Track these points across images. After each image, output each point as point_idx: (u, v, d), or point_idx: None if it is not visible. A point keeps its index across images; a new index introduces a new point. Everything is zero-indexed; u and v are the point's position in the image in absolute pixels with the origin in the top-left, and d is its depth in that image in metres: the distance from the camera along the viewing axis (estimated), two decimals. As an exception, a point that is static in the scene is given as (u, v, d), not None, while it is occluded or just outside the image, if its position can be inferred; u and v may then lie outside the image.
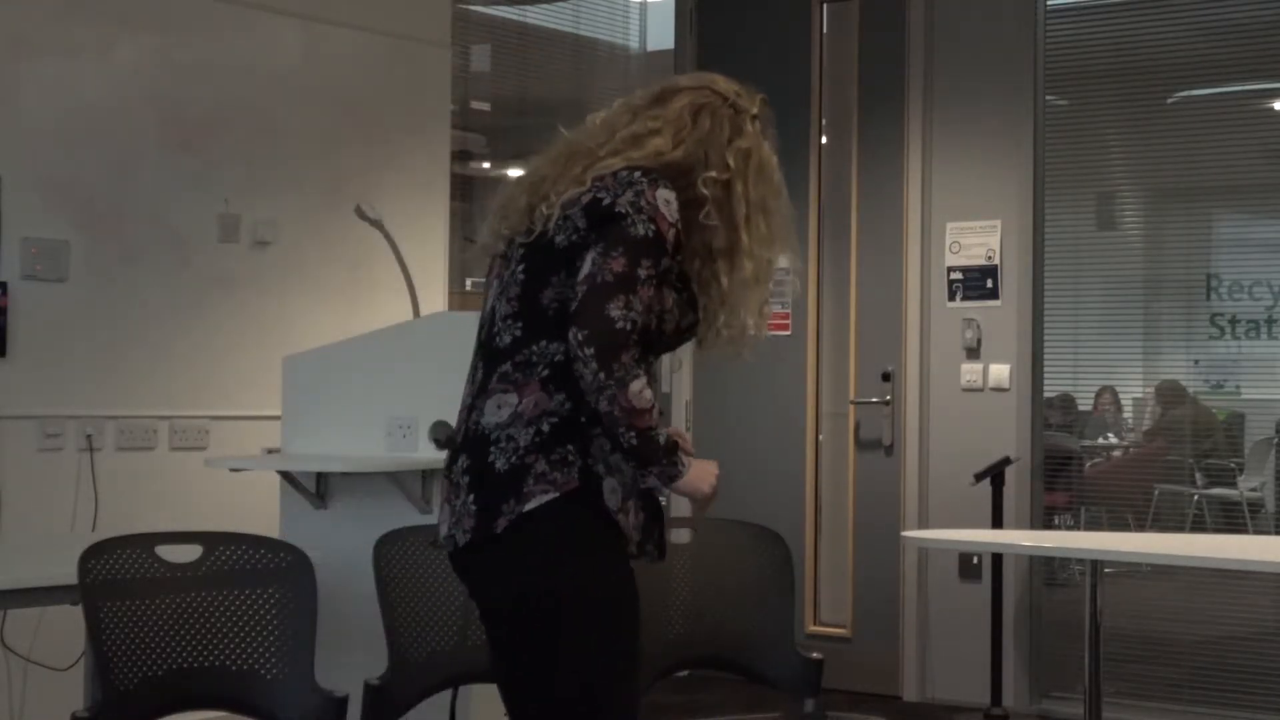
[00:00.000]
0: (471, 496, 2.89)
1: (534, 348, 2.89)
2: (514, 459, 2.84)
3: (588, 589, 2.85)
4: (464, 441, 2.94)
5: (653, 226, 2.84)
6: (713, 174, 2.96)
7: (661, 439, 2.83)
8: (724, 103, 3.04)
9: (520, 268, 2.94)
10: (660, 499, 3.01)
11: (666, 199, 2.87)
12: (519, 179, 3.05)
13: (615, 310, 2.78)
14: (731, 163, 2.98)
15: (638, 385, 2.79)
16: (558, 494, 2.82)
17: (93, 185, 5.76)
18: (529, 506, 2.82)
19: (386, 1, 6.64)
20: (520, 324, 2.91)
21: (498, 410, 2.88)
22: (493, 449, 2.87)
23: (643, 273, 2.82)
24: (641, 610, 2.98)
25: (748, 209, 2.98)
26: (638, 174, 2.89)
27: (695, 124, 3.00)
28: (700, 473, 2.91)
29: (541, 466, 2.83)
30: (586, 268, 2.82)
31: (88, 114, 5.76)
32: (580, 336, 2.77)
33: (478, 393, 2.94)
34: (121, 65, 5.85)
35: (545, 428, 2.84)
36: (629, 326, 2.78)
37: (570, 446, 2.84)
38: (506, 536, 2.84)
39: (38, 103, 5.63)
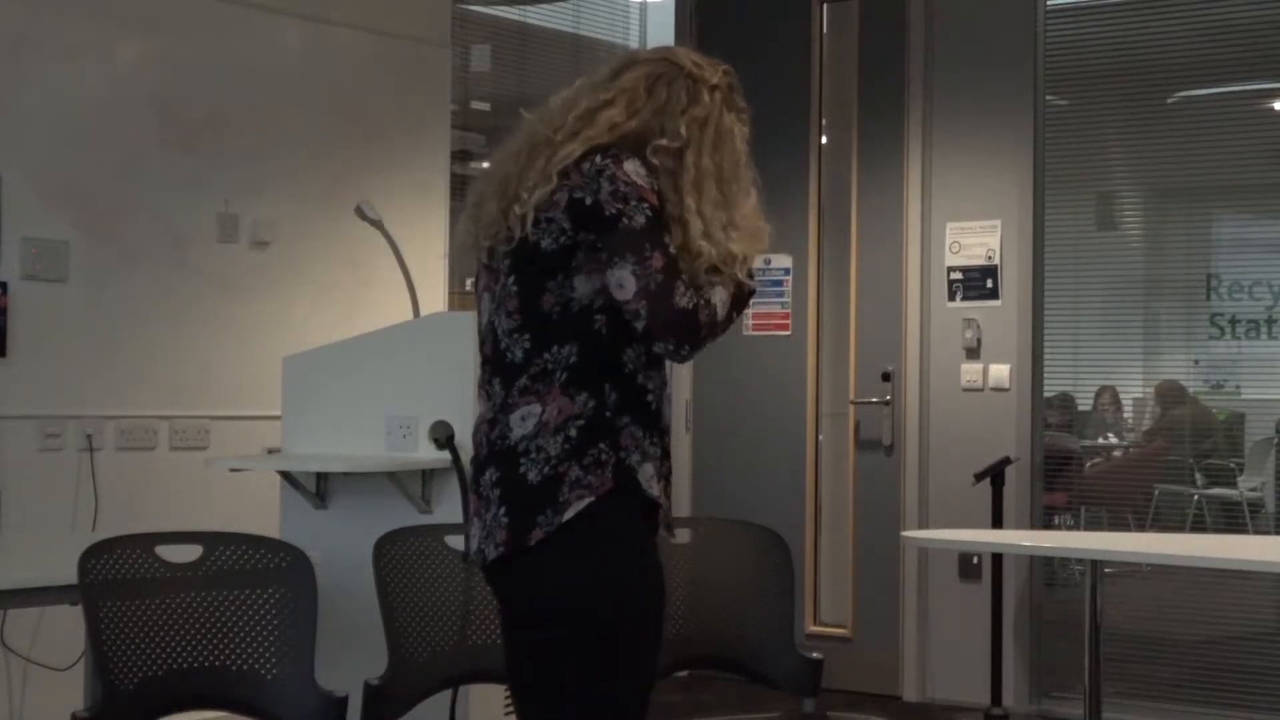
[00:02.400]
0: (503, 509, 2.84)
1: (546, 355, 2.85)
2: (547, 469, 2.81)
3: (630, 593, 2.82)
4: (489, 455, 2.89)
5: (645, 205, 2.80)
6: (663, 142, 2.90)
7: (735, 287, 2.89)
8: (681, 73, 2.97)
9: (511, 279, 2.89)
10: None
11: (636, 169, 2.83)
12: (486, 178, 3.00)
13: (681, 300, 2.78)
14: (684, 131, 2.91)
15: (706, 315, 2.80)
16: (594, 497, 2.79)
17: (93, 185, 5.76)
18: (568, 516, 2.78)
19: (386, 1, 6.64)
20: (527, 335, 2.87)
21: (523, 423, 2.84)
22: (523, 460, 2.83)
23: (672, 248, 2.81)
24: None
25: (698, 174, 2.90)
26: (598, 158, 2.83)
27: (651, 95, 2.94)
28: (752, 236, 2.96)
29: (575, 473, 2.80)
30: (631, 284, 2.77)
31: (88, 114, 5.76)
32: (671, 346, 2.80)
33: (499, 409, 2.89)
34: (121, 65, 5.85)
35: (573, 432, 2.81)
36: (693, 299, 2.79)
37: (602, 445, 2.81)
38: (541, 547, 2.80)
39: (38, 103, 5.63)
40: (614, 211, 2.80)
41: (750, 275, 2.95)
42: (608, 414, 2.83)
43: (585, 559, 2.81)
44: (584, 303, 2.83)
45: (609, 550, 2.82)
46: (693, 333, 2.79)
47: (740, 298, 2.91)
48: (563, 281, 2.84)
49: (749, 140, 3.03)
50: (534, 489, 2.82)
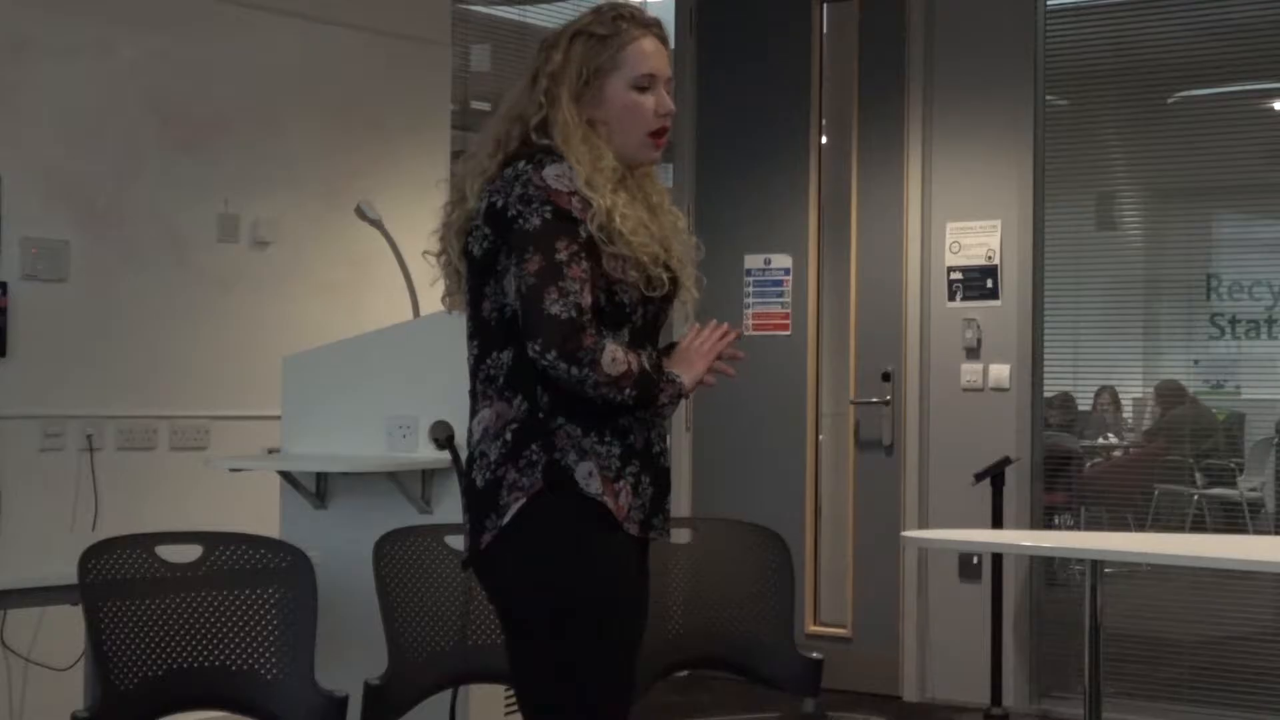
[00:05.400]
0: (467, 515, 2.93)
1: (489, 360, 2.90)
2: (489, 474, 2.86)
3: (571, 590, 2.83)
4: (465, 461, 2.97)
5: (548, 208, 2.80)
6: (534, 119, 2.90)
7: (649, 372, 2.84)
8: (543, 49, 2.99)
9: (465, 286, 2.96)
10: (665, 465, 2.98)
11: (558, 173, 2.82)
12: (442, 222, 3.04)
13: (553, 307, 2.76)
14: (542, 97, 2.92)
15: (608, 356, 2.78)
16: (526, 498, 2.83)
17: (93, 185, 5.76)
18: (507, 519, 2.83)
19: (386, 1, 6.64)
20: (476, 341, 2.94)
21: (478, 428, 2.92)
22: (474, 466, 2.90)
23: (562, 255, 2.78)
24: (648, 597, 2.99)
25: (562, 128, 2.88)
26: (521, 163, 2.85)
27: (529, 86, 2.96)
28: (689, 365, 2.92)
29: (512, 476, 2.84)
30: (512, 284, 2.82)
31: (88, 114, 5.76)
32: (537, 348, 2.77)
33: (470, 414, 2.96)
34: (121, 65, 5.85)
35: (509, 436, 2.85)
36: (574, 312, 2.76)
37: (534, 446, 2.84)
38: (491, 550, 2.86)
39: (38, 103, 5.63)
40: (514, 214, 2.82)
41: (671, 281, 2.89)
42: (540, 415, 2.85)
43: (526, 560, 2.85)
44: (515, 307, 2.85)
45: (547, 550, 2.84)
46: (559, 339, 2.75)
47: (647, 385, 2.83)
48: (495, 287, 2.88)
49: (665, 55, 2.99)
50: (481, 494, 2.88)
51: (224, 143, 6.10)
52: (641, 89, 2.95)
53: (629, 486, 2.88)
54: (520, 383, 2.86)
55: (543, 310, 2.76)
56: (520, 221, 2.81)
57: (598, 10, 2.99)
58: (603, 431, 2.86)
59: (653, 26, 3.00)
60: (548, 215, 2.80)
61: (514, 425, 2.85)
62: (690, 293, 2.99)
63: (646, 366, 2.85)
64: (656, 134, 2.97)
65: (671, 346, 3.02)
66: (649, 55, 2.96)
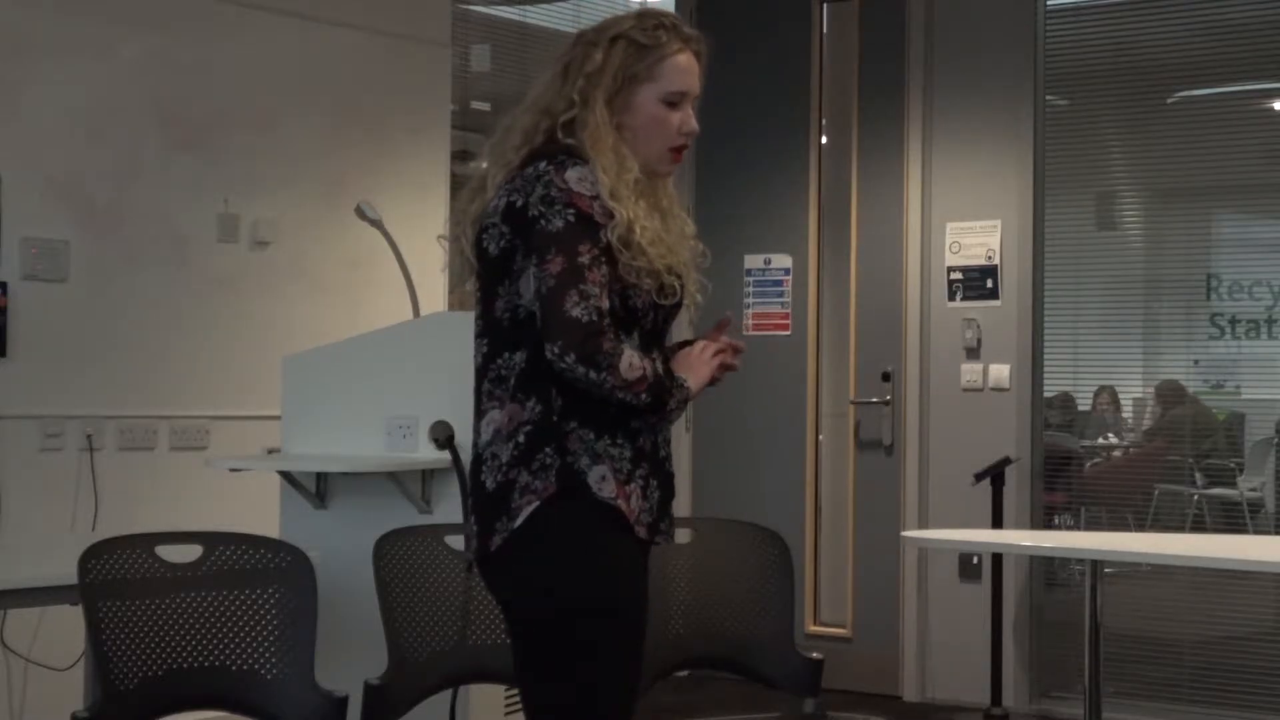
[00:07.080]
0: (474, 517, 2.91)
1: (499, 360, 2.89)
2: (500, 476, 2.85)
3: (580, 595, 2.83)
4: (471, 462, 2.96)
5: (570, 211, 2.79)
6: (564, 117, 2.89)
7: (662, 378, 2.84)
8: (581, 43, 2.94)
9: (474, 283, 2.95)
10: (670, 470, 2.98)
11: (579, 175, 2.82)
12: (459, 209, 3.03)
13: (574, 310, 2.75)
14: (576, 95, 2.90)
15: (625, 361, 2.78)
16: (540, 502, 2.82)
17: (93, 185, 5.76)
18: (519, 522, 2.82)
19: (386, 1, 6.64)
20: (486, 340, 2.92)
21: (487, 429, 2.90)
22: (484, 468, 2.89)
23: (584, 259, 2.78)
24: (649, 601, 2.97)
25: (594, 128, 2.87)
26: (542, 164, 2.84)
27: (562, 81, 2.94)
28: (693, 370, 2.92)
29: (525, 479, 2.83)
30: (532, 284, 2.80)
31: (88, 114, 5.76)
32: (557, 350, 2.76)
33: (476, 414, 2.95)
34: (121, 65, 5.85)
35: (522, 439, 2.84)
36: (594, 316, 2.76)
37: (548, 449, 2.83)
38: (502, 553, 2.85)
39: (38, 103, 5.63)
40: (535, 214, 2.81)
41: (672, 294, 2.88)
42: (554, 418, 2.84)
43: (538, 563, 2.84)
44: (530, 309, 2.84)
45: (558, 554, 2.83)
46: (579, 342, 2.75)
47: (660, 390, 2.83)
48: (509, 287, 2.87)
49: (697, 72, 2.96)
50: (491, 496, 2.87)
51: (224, 143, 6.10)
52: (671, 104, 2.95)
53: (639, 489, 2.88)
54: (534, 385, 2.85)
55: (564, 313, 2.75)
56: (543, 223, 2.79)
57: (641, 16, 2.97)
58: (615, 434, 2.86)
59: (692, 41, 2.98)
60: (570, 218, 2.79)
61: (527, 428, 2.84)
62: (694, 298, 2.99)
63: (660, 372, 2.86)
64: (676, 149, 2.98)
65: (677, 347, 3.02)
66: (684, 71, 2.96)
